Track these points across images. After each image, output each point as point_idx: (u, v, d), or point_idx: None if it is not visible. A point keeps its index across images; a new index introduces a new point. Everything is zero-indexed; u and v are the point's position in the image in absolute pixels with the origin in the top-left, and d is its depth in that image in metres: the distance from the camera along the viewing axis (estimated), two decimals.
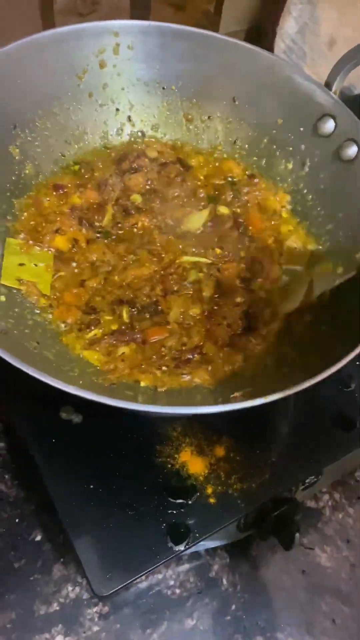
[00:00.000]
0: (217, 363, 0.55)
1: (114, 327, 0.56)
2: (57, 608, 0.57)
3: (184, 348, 0.55)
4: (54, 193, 0.60)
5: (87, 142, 0.63)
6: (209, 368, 0.54)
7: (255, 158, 0.65)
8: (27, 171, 0.58)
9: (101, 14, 0.78)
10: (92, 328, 0.56)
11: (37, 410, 0.56)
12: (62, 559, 0.59)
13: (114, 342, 0.55)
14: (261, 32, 0.89)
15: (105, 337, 0.55)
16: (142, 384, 0.52)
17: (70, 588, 0.58)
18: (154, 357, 0.54)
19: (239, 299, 0.59)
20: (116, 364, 0.53)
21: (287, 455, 0.57)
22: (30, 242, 0.57)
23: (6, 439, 0.65)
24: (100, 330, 0.56)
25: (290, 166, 0.63)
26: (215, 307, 0.58)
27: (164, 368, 0.53)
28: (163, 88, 0.64)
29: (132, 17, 0.81)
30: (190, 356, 0.54)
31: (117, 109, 0.64)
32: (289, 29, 0.81)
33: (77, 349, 0.54)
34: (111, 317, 0.56)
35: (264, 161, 0.65)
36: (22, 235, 0.57)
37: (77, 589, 0.58)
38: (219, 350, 0.55)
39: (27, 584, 0.57)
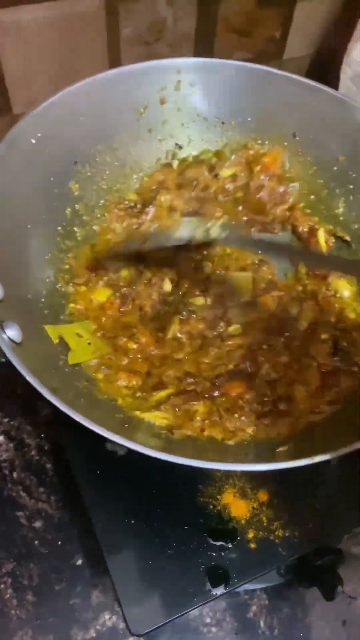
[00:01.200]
0: (301, 412, 0.53)
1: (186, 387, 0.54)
2: (94, 635, 0.58)
3: (265, 400, 0.54)
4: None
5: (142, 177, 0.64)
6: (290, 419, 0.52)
7: (312, 197, 0.64)
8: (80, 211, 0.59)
9: (166, 42, 0.79)
10: (157, 391, 0.54)
11: (83, 439, 0.57)
12: (100, 586, 0.60)
13: (187, 402, 0.53)
14: (328, 59, 0.88)
15: (172, 396, 0.53)
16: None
17: (107, 616, 0.59)
18: (228, 411, 0.52)
19: (324, 336, 0.57)
20: (184, 421, 0.52)
21: (333, 504, 0.55)
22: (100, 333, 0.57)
23: (54, 460, 0.66)
24: (167, 391, 0.54)
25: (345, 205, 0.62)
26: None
27: (242, 419, 0.52)
28: (222, 123, 0.64)
29: (197, 45, 0.81)
30: (271, 408, 0.53)
31: (177, 144, 0.64)
32: (357, 56, 0.79)
33: (137, 412, 0.52)
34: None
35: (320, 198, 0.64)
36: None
37: (114, 617, 0.58)
38: (309, 396, 0.53)
39: (66, 608, 0.59)
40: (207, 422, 0.51)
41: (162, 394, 0.53)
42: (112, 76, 0.57)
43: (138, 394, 0.53)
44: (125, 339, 0.56)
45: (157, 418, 0.51)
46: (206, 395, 0.53)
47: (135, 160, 0.63)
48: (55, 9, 0.73)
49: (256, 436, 0.51)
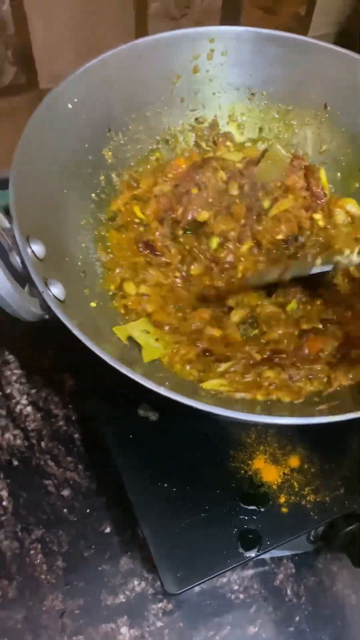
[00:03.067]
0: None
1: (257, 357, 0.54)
2: (123, 600, 0.58)
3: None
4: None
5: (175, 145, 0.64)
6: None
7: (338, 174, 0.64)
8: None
9: (193, 18, 0.79)
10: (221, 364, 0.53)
11: (116, 406, 0.58)
12: (129, 553, 0.60)
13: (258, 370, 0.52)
14: (352, 37, 0.87)
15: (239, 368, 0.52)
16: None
17: (136, 582, 0.59)
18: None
19: None
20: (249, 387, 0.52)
21: None
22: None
23: (81, 431, 0.67)
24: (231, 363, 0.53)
25: None
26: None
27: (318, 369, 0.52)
28: (252, 94, 0.64)
29: (223, 20, 0.81)
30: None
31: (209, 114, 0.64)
32: None
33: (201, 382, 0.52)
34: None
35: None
36: None
37: (143, 583, 0.59)
38: None
39: (95, 573, 0.59)
40: (273, 386, 0.51)
41: (226, 365, 0.53)
42: (146, 44, 0.57)
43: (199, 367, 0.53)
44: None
45: (217, 386, 0.51)
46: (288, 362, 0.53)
47: (166, 129, 0.63)
48: None
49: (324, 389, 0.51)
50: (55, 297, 0.42)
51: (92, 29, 0.75)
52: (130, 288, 0.57)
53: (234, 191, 0.61)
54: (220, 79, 0.63)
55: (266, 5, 0.84)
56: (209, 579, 0.50)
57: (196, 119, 0.65)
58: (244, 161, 0.63)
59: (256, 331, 0.57)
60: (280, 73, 0.62)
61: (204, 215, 0.60)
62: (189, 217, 0.60)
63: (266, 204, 0.61)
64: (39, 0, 0.69)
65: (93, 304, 0.51)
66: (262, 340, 0.55)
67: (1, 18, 0.70)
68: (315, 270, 0.56)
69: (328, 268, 0.56)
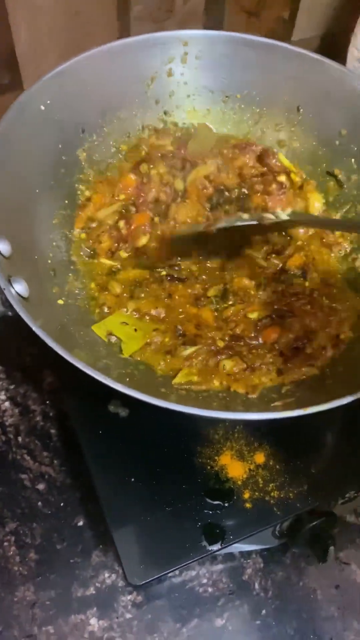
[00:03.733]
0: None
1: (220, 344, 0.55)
2: (94, 592, 0.59)
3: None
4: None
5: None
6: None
7: (310, 167, 0.65)
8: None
9: (175, 21, 0.80)
10: (187, 347, 0.55)
11: (87, 401, 0.59)
12: (101, 546, 0.61)
13: (219, 357, 0.54)
14: (335, 40, 0.88)
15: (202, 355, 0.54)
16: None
17: (107, 574, 0.60)
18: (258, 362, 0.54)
19: None
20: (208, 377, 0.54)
21: (328, 468, 0.57)
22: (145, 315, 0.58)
23: (58, 427, 0.68)
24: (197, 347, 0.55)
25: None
26: None
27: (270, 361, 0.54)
28: (226, 96, 0.66)
29: (206, 24, 0.82)
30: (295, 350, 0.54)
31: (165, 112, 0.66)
32: None
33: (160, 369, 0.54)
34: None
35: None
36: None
37: (114, 576, 0.60)
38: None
39: (67, 566, 0.60)
40: (232, 377, 0.53)
41: (191, 349, 0.55)
42: (119, 47, 0.58)
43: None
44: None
45: (186, 377, 0.53)
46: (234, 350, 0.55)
47: (140, 131, 0.64)
48: None
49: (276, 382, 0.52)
50: (19, 295, 0.43)
51: (75, 31, 0.77)
52: (114, 287, 0.58)
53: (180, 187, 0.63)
54: (195, 81, 0.64)
55: (249, 8, 0.85)
56: (171, 571, 0.51)
57: (171, 123, 0.66)
58: (174, 144, 0.64)
59: (226, 304, 0.58)
60: (254, 76, 0.63)
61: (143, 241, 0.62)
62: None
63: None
64: (22, 3, 0.71)
65: (60, 302, 0.53)
66: (226, 315, 0.57)
67: None
68: (240, 223, 0.57)
69: (253, 222, 0.57)
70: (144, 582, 0.50)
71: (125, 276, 0.60)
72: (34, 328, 0.40)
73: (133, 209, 0.61)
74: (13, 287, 0.43)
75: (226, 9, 0.84)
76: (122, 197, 0.62)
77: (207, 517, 0.53)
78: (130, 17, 0.78)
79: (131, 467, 0.56)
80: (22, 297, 0.43)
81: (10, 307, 0.42)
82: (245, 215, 0.59)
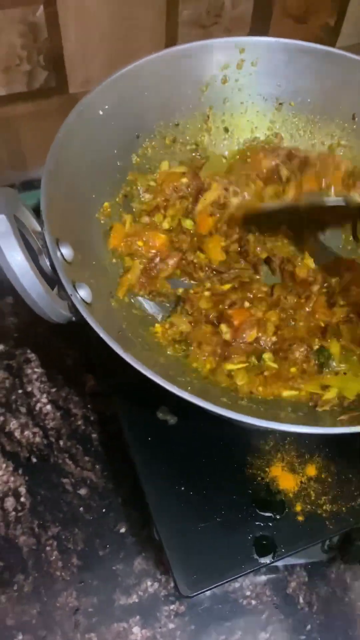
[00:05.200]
0: None
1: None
2: (136, 600, 0.59)
3: None
4: None
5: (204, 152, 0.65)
6: None
7: None
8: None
9: (223, 26, 0.80)
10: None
11: (135, 408, 0.58)
12: (143, 554, 0.61)
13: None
14: None
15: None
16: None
17: (149, 583, 0.60)
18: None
19: None
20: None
21: None
22: None
23: (100, 431, 0.68)
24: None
25: None
26: None
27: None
28: (280, 104, 0.65)
29: (253, 29, 0.82)
30: None
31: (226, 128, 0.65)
32: None
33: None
34: None
35: None
36: None
37: (156, 584, 0.60)
38: None
39: (109, 572, 0.60)
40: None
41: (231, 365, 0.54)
42: (176, 53, 0.58)
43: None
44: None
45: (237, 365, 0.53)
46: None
47: (192, 136, 0.64)
48: None
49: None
50: (83, 300, 0.43)
51: (123, 34, 0.77)
52: None
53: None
54: (249, 88, 0.64)
55: (296, 14, 0.85)
56: (223, 583, 0.50)
57: (224, 129, 0.65)
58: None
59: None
60: (309, 83, 0.63)
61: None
62: None
63: None
64: (73, 7, 0.71)
65: (114, 304, 0.52)
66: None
67: (35, 24, 0.71)
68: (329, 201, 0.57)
69: (341, 202, 0.57)
70: (195, 593, 0.49)
71: None
72: (100, 333, 0.40)
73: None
74: (78, 293, 0.42)
75: (273, 15, 0.83)
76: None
77: (259, 529, 0.52)
78: (178, 21, 0.78)
79: (180, 475, 0.55)
80: (86, 302, 0.43)
81: (76, 312, 0.42)
82: (332, 191, 0.59)
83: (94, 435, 0.68)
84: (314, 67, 0.62)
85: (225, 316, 0.56)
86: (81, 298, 0.42)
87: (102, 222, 0.55)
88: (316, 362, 0.54)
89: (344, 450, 0.56)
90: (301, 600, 0.60)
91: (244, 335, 0.55)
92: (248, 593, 0.60)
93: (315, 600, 0.60)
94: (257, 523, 0.53)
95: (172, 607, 0.59)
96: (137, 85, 0.57)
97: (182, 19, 0.77)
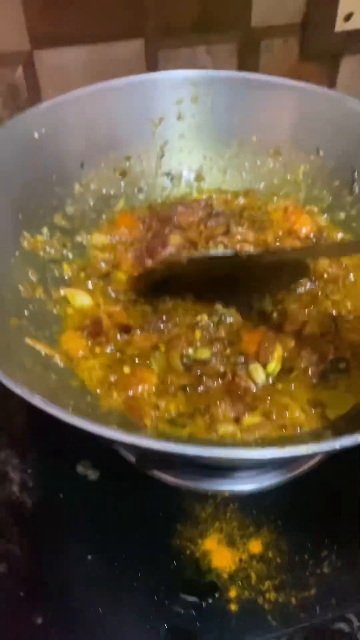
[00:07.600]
0: None
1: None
2: None
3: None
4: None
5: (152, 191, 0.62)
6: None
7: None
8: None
9: None
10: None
11: (51, 460, 0.50)
12: None
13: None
14: None
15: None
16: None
17: None
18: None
19: None
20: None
21: (347, 569, 0.43)
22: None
23: None
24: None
25: None
26: None
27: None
28: (241, 139, 0.61)
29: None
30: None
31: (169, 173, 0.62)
32: None
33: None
34: None
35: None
36: None
37: None
38: None
39: None
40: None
41: None
42: (123, 84, 0.57)
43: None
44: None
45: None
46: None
47: (143, 172, 0.61)
48: (96, 53, 0.77)
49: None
50: None
51: None
52: None
53: None
54: (206, 123, 0.61)
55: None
56: None
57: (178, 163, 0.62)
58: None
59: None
60: (271, 118, 0.59)
61: None
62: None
63: None
64: (53, 66, 0.73)
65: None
66: None
67: (15, 84, 0.74)
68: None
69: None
70: None
71: None
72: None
73: None
74: None
75: None
76: None
77: (177, 617, 0.40)
78: None
79: (90, 541, 0.45)
80: None
81: None
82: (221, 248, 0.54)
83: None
84: (274, 101, 0.58)
85: None
86: None
87: None
88: None
89: (298, 522, 0.45)
90: None
91: None
92: None
93: None
94: (177, 609, 0.41)
95: None
96: (81, 114, 0.55)
97: None
